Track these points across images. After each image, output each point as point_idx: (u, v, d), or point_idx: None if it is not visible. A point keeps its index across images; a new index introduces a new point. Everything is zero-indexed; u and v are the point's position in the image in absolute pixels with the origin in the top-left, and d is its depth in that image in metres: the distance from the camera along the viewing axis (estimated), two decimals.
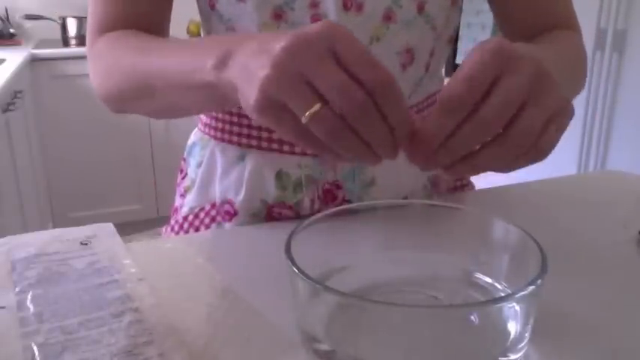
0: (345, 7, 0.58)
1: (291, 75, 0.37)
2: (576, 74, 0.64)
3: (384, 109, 0.38)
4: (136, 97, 0.59)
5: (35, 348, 0.40)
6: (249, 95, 0.40)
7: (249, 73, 0.40)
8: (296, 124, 0.38)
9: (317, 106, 0.37)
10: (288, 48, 0.37)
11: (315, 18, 0.59)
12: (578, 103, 2.07)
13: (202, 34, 0.69)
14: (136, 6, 0.63)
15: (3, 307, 0.45)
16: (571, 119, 0.43)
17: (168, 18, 0.66)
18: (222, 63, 0.44)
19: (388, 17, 0.60)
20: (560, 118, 0.42)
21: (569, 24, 0.69)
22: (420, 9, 0.61)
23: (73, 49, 2.66)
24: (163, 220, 0.76)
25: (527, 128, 0.39)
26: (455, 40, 0.71)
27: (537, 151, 0.42)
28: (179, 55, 0.52)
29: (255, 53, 0.40)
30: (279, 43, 0.37)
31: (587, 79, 2.01)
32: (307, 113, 0.37)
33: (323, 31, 0.37)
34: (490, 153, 0.41)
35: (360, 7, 0.58)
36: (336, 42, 0.37)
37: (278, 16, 0.59)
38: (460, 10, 0.69)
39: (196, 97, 0.51)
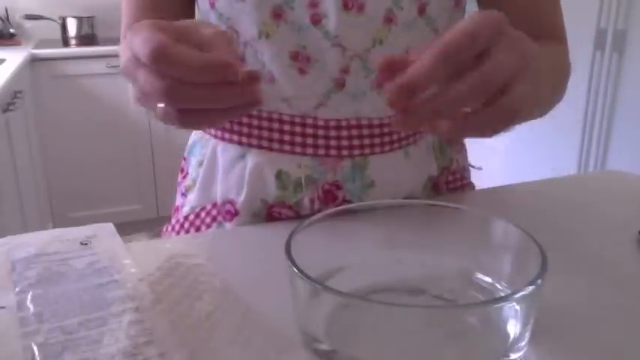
0: (346, 7, 0.58)
1: (144, 89, 0.42)
2: (557, 86, 0.63)
3: (177, 74, 0.39)
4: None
5: (35, 348, 0.40)
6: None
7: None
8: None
9: (160, 105, 0.42)
10: (124, 70, 0.44)
11: (315, 17, 0.59)
12: (578, 103, 2.07)
13: None
14: (157, 12, 0.67)
15: (3, 307, 0.45)
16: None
17: (189, 13, 0.68)
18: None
19: (389, 19, 0.60)
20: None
21: (557, 36, 0.68)
22: (421, 11, 0.61)
23: (73, 49, 2.66)
24: (163, 220, 0.76)
25: (512, 104, 0.39)
26: None
27: (510, 122, 0.41)
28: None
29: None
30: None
31: (588, 79, 2.02)
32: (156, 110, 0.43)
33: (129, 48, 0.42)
34: (471, 119, 0.40)
35: (361, 8, 0.58)
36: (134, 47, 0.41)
37: (277, 15, 0.59)
38: (464, 11, 0.69)
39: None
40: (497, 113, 0.39)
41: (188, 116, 0.42)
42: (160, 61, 0.38)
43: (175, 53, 0.39)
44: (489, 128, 0.41)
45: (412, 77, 0.37)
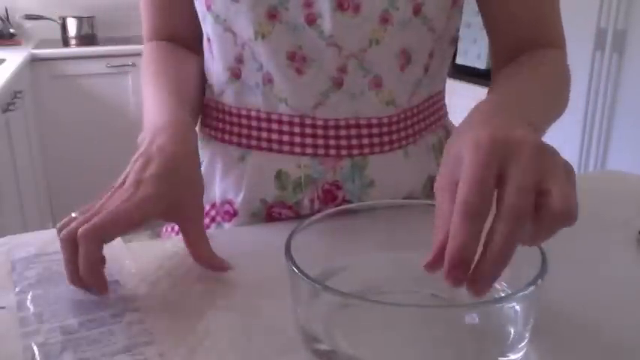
0: (342, 8, 0.58)
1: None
2: (559, 99, 0.63)
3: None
4: None
5: (35, 348, 0.40)
6: None
7: None
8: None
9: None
10: (62, 237, 0.48)
11: (310, 17, 0.59)
12: (578, 103, 2.07)
13: (204, 36, 0.69)
14: (172, 19, 0.73)
15: (3, 307, 0.45)
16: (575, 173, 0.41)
17: (198, 26, 0.69)
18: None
19: (385, 19, 0.60)
20: (571, 182, 0.39)
21: (556, 42, 0.68)
22: (417, 11, 0.61)
23: (73, 49, 2.66)
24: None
25: (557, 208, 0.37)
26: (455, 40, 0.71)
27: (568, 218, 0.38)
28: (146, 102, 0.65)
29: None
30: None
31: (588, 79, 2.02)
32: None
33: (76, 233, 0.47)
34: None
35: (357, 8, 0.58)
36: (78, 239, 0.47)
37: (272, 15, 0.59)
38: (461, 10, 0.69)
39: None
40: (549, 220, 0.37)
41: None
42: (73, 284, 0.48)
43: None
44: (552, 232, 0.38)
45: (456, 256, 0.35)
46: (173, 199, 0.50)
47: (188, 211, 0.52)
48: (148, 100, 0.65)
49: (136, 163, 0.53)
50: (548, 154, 0.39)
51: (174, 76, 0.67)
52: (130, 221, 0.48)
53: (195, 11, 0.68)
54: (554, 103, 0.62)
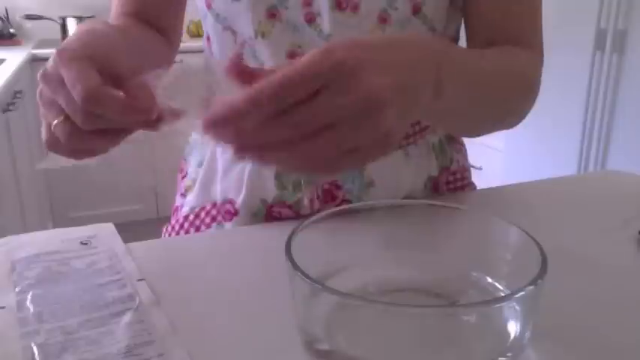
0: (340, 7, 0.58)
1: (44, 97, 0.46)
2: (511, 92, 0.58)
3: (101, 113, 0.42)
4: None
5: (35, 348, 0.40)
6: None
7: None
8: (47, 128, 0.47)
9: (61, 118, 0.45)
10: (41, 77, 0.45)
11: (309, 16, 0.59)
12: (579, 103, 2.07)
13: (204, 34, 0.69)
14: (143, 3, 0.68)
15: (3, 307, 0.45)
16: (385, 153, 0.39)
17: (176, 15, 0.69)
18: None
19: (383, 19, 0.60)
20: (370, 148, 0.38)
21: (532, 46, 0.63)
22: (416, 10, 0.61)
23: None
24: (163, 220, 0.76)
25: (324, 149, 0.37)
26: (455, 40, 0.71)
27: (330, 169, 0.39)
28: None
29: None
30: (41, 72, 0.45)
31: (588, 79, 2.02)
32: (54, 123, 0.45)
33: (54, 62, 0.44)
34: (281, 155, 0.38)
35: (355, 8, 0.58)
36: (62, 70, 0.43)
37: (272, 14, 0.59)
38: (460, 9, 0.69)
39: None
40: (304, 154, 0.37)
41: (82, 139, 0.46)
42: (89, 104, 0.42)
43: (103, 99, 0.42)
44: (300, 166, 0.39)
45: (228, 112, 0.35)
46: (97, 49, 0.46)
47: (117, 60, 0.47)
48: None
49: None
50: (370, 117, 0.37)
51: (133, 32, 0.63)
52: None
53: (175, 0, 0.67)
54: (502, 85, 0.56)
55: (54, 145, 0.47)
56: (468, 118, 0.55)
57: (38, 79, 0.45)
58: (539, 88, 0.62)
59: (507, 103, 0.59)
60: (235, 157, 0.38)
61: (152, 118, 0.45)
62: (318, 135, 0.36)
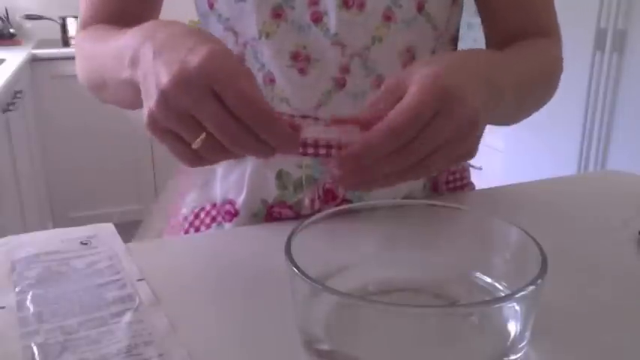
0: (346, 5, 0.58)
1: (175, 111, 0.40)
2: (541, 79, 0.64)
3: (262, 136, 0.42)
4: (95, 87, 0.63)
5: (35, 348, 0.40)
6: (144, 110, 0.43)
7: (146, 87, 0.43)
8: (178, 146, 0.43)
9: (203, 136, 0.41)
10: (170, 86, 0.40)
11: (315, 16, 0.59)
12: (579, 103, 2.07)
13: None
14: (119, 3, 0.66)
15: (3, 307, 0.45)
16: (473, 156, 0.48)
17: (153, 14, 0.68)
18: (133, 61, 0.46)
19: (388, 17, 0.60)
20: (458, 158, 0.47)
21: (546, 31, 0.68)
22: (420, 8, 0.61)
23: (73, 49, 2.66)
24: None
25: (432, 165, 0.45)
26: (455, 38, 0.71)
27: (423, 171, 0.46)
28: (110, 48, 0.53)
29: (151, 70, 0.42)
30: (166, 74, 0.40)
31: (588, 79, 2.02)
32: (196, 141, 0.42)
33: (202, 69, 0.39)
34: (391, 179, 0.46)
35: (361, 5, 0.58)
36: (213, 81, 0.39)
37: (277, 14, 0.59)
38: (461, 9, 0.69)
39: (127, 91, 0.51)
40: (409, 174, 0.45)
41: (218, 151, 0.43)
42: (260, 128, 0.41)
43: (273, 126, 0.41)
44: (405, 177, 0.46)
45: (359, 152, 0.42)
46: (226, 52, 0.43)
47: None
48: (111, 45, 0.54)
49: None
50: (472, 129, 0.44)
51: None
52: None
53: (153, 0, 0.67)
54: (535, 80, 0.62)
55: (195, 161, 0.44)
56: (514, 112, 0.62)
57: (162, 90, 0.40)
58: (562, 69, 0.68)
59: (542, 91, 0.65)
60: (355, 187, 0.48)
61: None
62: (437, 149, 0.44)
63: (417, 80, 0.43)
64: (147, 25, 0.49)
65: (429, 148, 0.43)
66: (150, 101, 0.42)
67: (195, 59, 0.39)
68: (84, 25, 0.68)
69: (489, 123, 0.60)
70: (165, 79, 0.40)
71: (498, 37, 0.68)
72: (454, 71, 0.45)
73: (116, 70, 0.50)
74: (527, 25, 0.67)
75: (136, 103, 0.57)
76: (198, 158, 0.44)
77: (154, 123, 0.42)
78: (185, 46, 0.41)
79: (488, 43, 0.70)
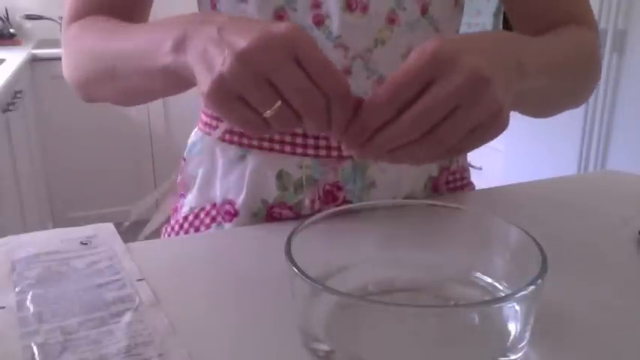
0: (350, 8, 0.58)
1: (254, 73, 0.39)
2: (578, 68, 0.61)
3: (335, 112, 0.41)
4: (98, 80, 0.60)
5: (35, 348, 0.40)
6: (204, 82, 0.41)
7: (208, 60, 0.41)
8: (247, 114, 0.41)
9: (278, 104, 0.40)
10: (252, 47, 0.38)
11: (317, 19, 0.59)
12: None
13: None
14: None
15: (3, 307, 0.45)
16: (503, 130, 0.43)
17: (144, 8, 0.66)
18: (179, 46, 0.45)
19: (392, 20, 0.60)
20: (489, 126, 0.42)
21: (585, 22, 0.66)
22: (424, 11, 0.61)
23: None
24: (163, 220, 0.76)
25: (448, 133, 0.41)
26: None
27: (455, 151, 0.43)
28: (138, 37, 0.52)
29: (216, 42, 0.41)
30: (243, 39, 0.39)
31: None
32: (270, 110, 0.40)
33: (287, 34, 0.39)
34: (409, 150, 0.42)
35: (364, 8, 0.58)
36: (298, 47, 0.39)
37: (280, 16, 0.59)
38: (462, 9, 0.69)
39: (156, 80, 0.50)
40: (429, 143, 0.42)
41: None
42: (338, 99, 0.41)
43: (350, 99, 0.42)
44: (427, 156, 0.43)
45: (362, 121, 0.41)
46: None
47: None
48: (136, 35, 0.53)
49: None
50: (481, 85, 0.40)
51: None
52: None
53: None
54: (570, 62, 0.58)
55: (262, 129, 0.42)
56: (547, 97, 0.59)
57: (239, 54, 0.38)
58: (601, 63, 0.66)
59: (578, 79, 0.62)
60: (369, 156, 0.44)
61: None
62: (443, 122, 0.40)
63: (419, 47, 0.42)
64: (187, 16, 0.48)
65: (436, 111, 0.40)
66: (214, 71, 0.40)
67: (280, 27, 0.39)
68: (73, 19, 0.65)
69: (520, 106, 0.58)
70: (243, 43, 0.39)
71: (529, 28, 0.67)
72: (456, 39, 0.43)
73: (148, 58, 0.49)
74: (559, 14, 0.65)
75: (161, 91, 0.56)
76: (266, 126, 0.42)
77: (222, 89, 0.40)
78: (257, 24, 0.40)
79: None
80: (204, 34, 0.43)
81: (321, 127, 0.42)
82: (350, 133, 0.42)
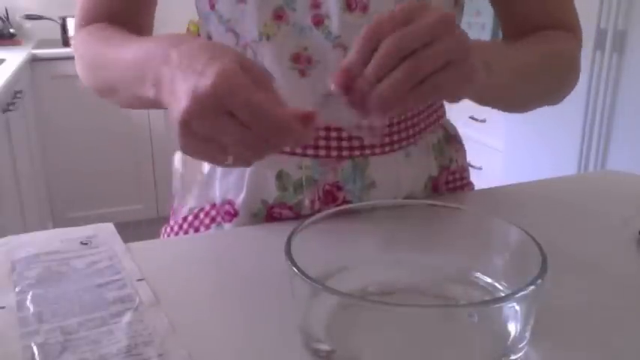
0: (350, 8, 0.58)
1: (199, 137, 0.42)
2: (543, 70, 0.63)
3: (277, 143, 0.43)
4: (103, 90, 0.64)
5: (35, 348, 0.40)
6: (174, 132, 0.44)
7: (170, 113, 0.44)
8: (220, 158, 0.44)
9: (229, 160, 0.43)
10: (187, 116, 0.41)
11: (317, 19, 0.59)
12: (578, 103, 2.07)
13: (201, 36, 0.69)
14: (113, 3, 0.67)
15: (3, 307, 0.45)
16: (472, 74, 0.45)
17: (148, 13, 0.69)
18: (156, 85, 0.47)
19: None
20: (459, 65, 0.44)
21: (570, 28, 0.68)
22: None
23: (73, 49, 2.66)
24: (163, 220, 0.76)
25: (424, 58, 0.42)
26: None
27: (431, 87, 0.43)
28: (127, 66, 0.54)
29: (171, 94, 0.44)
30: (181, 104, 0.41)
31: (588, 79, 2.02)
32: (226, 163, 0.44)
33: (214, 92, 0.40)
34: (387, 84, 0.42)
35: (365, 8, 0.58)
36: (225, 100, 0.40)
37: (279, 16, 0.59)
38: (462, 9, 0.69)
39: (148, 103, 0.52)
40: (408, 71, 0.42)
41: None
42: (275, 139, 0.41)
43: (287, 129, 0.41)
44: (407, 89, 0.43)
45: (347, 63, 0.43)
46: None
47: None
48: (126, 61, 0.55)
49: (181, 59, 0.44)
50: (450, 25, 0.43)
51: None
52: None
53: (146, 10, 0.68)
54: (536, 67, 0.62)
55: (236, 165, 0.46)
56: (514, 93, 0.62)
57: (181, 120, 0.41)
58: (579, 66, 0.68)
59: (548, 78, 0.65)
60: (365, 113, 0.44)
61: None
62: (420, 50, 0.42)
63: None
64: (161, 42, 0.49)
65: (412, 40, 0.42)
66: (173, 127, 0.43)
67: (204, 83, 0.40)
68: (81, 24, 0.68)
69: (487, 99, 0.59)
70: (182, 108, 0.41)
71: (515, 30, 0.68)
72: None
73: (136, 86, 0.51)
74: (544, 18, 0.67)
75: (157, 107, 0.59)
76: (237, 164, 0.45)
77: (185, 149, 0.43)
78: (196, 69, 0.42)
79: (505, 35, 0.71)
80: (165, 79, 0.45)
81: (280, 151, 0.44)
82: (339, 75, 0.44)
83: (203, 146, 0.42)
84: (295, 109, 0.43)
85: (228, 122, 0.40)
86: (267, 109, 0.40)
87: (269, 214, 0.66)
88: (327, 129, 0.63)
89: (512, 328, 0.36)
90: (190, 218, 0.70)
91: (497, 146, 2.47)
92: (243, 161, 0.44)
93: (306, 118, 0.43)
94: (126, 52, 0.55)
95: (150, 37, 0.58)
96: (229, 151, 0.43)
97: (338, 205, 0.64)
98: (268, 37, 0.60)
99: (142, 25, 0.68)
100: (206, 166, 0.69)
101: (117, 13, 0.67)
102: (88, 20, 0.67)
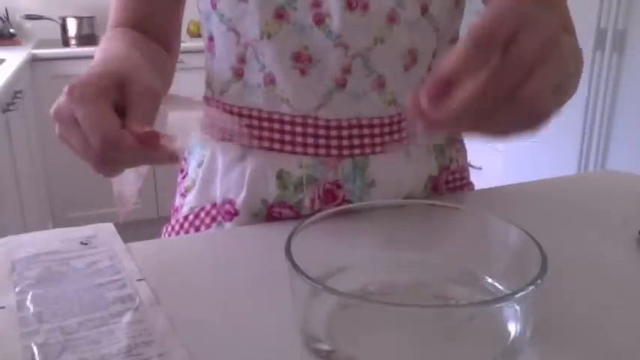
0: (350, 7, 0.58)
1: (61, 135, 0.47)
2: (573, 74, 0.59)
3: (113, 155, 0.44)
4: None
5: (35, 348, 0.40)
6: None
7: None
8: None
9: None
10: (54, 115, 0.46)
11: (318, 18, 0.59)
12: (578, 103, 2.07)
13: (202, 35, 0.69)
14: (141, 7, 0.69)
15: (3, 307, 0.45)
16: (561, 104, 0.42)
17: (175, 15, 0.70)
18: None
19: (392, 19, 0.60)
20: (563, 89, 0.41)
21: (566, 28, 0.67)
22: (424, 10, 0.61)
23: (73, 49, 2.66)
24: (163, 220, 0.76)
25: (537, 91, 0.36)
26: (456, 40, 0.71)
27: (536, 117, 0.39)
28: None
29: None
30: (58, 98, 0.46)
31: (588, 79, 2.02)
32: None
33: (72, 94, 0.44)
34: (499, 116, 0.37)
35: (365, 7, 0.59)
36: (74, 109, 0.44)
37: (280, 15, 0.59)
38: (462, 10, 0.69)
39: None
40: (520, 106, 0.37)
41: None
42: (108, 148, 0.43)
43: (121, 145, 0.43)
44: (512, 125, 0.39)
45: (444, 72, 0.35)
46: (120, 75, 0.48)
47: (134, 89, 0.47)
48: (101, 49, 0.61)
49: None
50: (556, 44, 0.37)
51: (141, 41, 0.65)
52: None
53: (173, 3, 0.69)
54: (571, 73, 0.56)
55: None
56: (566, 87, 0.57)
57: (52, 115, 0.46)
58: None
59: (575, 77, 0.60)
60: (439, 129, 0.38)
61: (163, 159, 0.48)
62: (533, 71, 0.36)
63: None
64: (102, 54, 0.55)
65: (518, 68, 0.35)
66: None
67: (68, 87, 0.45)
68: (112, 26, 0.71)
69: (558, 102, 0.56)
70: (52, 110, 0.47)
71: None
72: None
73: None
74: None
75: None
76: (98, 171, 0.48)
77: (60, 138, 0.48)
78: (81, 78, 0.47)
79: None
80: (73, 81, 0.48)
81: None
82: (429, 89, 0.36)
83: (66, 142, 0.46)
84: (137, 129, 0.45)
85: (75, 128, 0.44)
86: (100, 122, 0.43)
87: (269, 214, 0.66)
88: (327, 127, 0.63)
89: (512, 328, 0.36)
90: (191, 217, 0.71)
91: (497, 146, 2.47)
92: (95, 169, 0.46)
93: (146, 139, 0.45)
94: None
95: (114, 48, 0.61)
96: (80, 156, 0.46)
97: (338, 204, 0.64)
98: (269, 36, 0.60)
99: (167, 28, 0.70)
100: (206, 165, 0.69)
101: (143, 18, 0.69)
102: (117, 24, 0.70)
